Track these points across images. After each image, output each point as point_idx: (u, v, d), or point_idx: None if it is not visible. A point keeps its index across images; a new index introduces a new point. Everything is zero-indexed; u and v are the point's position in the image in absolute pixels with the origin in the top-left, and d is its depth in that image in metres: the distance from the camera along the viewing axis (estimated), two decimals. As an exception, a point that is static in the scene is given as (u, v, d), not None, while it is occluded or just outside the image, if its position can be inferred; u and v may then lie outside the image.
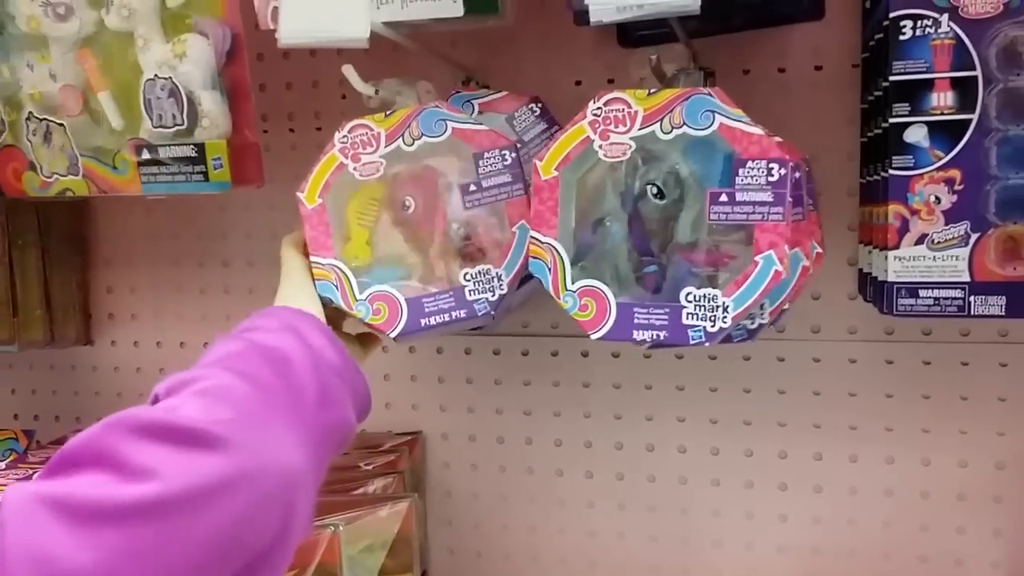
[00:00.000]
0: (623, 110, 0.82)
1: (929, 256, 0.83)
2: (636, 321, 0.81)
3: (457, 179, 0.90)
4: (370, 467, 1.14)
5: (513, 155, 0.88)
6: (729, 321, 0.78)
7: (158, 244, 1.37)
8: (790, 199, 0.76)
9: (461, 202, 0.90)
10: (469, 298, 0.89)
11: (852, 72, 1.07)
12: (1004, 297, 0.82)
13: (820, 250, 0.87)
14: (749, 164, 0.77)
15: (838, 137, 1.07)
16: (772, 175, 0.77)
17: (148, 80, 0.98)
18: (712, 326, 0.79)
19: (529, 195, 0.87)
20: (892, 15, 0.82)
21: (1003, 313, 0.82)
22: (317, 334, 0.79)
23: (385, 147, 0.90)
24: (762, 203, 0.77)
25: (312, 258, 0.90)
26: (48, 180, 1.08)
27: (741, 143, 0.78)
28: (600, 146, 0.83)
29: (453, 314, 0.89)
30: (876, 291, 0.90)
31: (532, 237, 0.84)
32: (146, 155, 1.01)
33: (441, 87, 1.14)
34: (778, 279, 0.77)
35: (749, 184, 0.77)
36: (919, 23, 0.81)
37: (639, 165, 0.84)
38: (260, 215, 1.31)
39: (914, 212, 0.83)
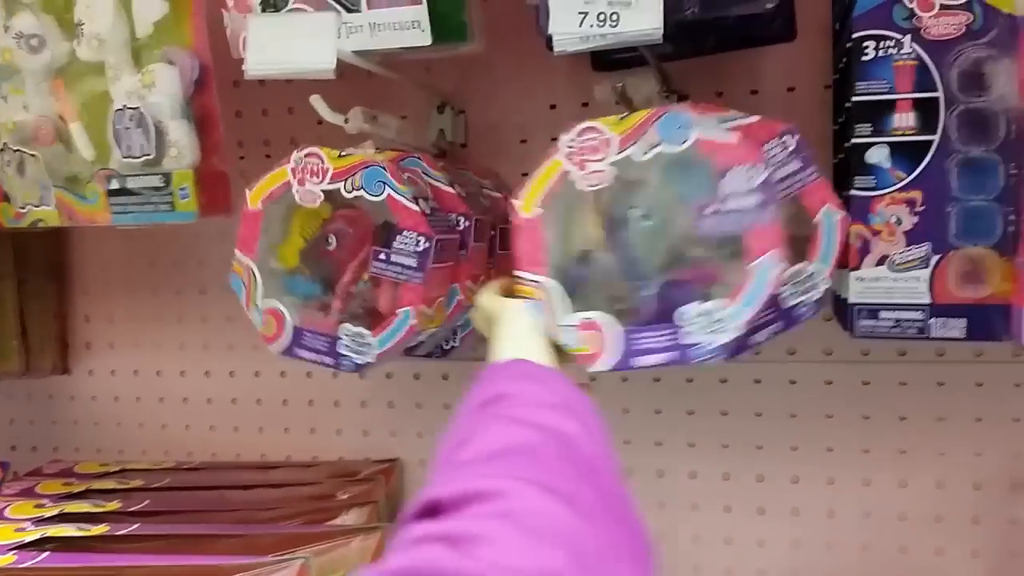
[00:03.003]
0: (597, 138, 0.81)
1: (890, 277, 0.83)
2: (638, 347, 0.80)
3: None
4: (346, 496, 1.13)
5: (426, 245, 0.89)
6: (733, 333, 0.76)
7: (135, 272, 1.36)
8: (775, 201, 0.76)
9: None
10: (341, 351, 0.93)
11: (824, 93, 1.07)
12: (965, 320, 0.82)
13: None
14: (731, 171, 0.77)
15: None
16: (754, 179, 0.76)
17: (117, 110, 0.99)
18: (716, 340, 0.77)
19: (424, 285, 0.90)
20: (855, 36, 0.82)
21: (964, 336, 0.82)
22: (583, 404, 0.66)
23: (329, 183, 0.92)
24: (752, 207, 0.76)
25: (236, 253, 0.96)
26: (22, 211, 1.08)
27: (719, 152, 0.77)
28: (579, 177, 0.82)
29: (324, 359, 0.94)
30: (840, 312, 0.90)
31: (520, 276, 0.83)
32: (115, 185, 1.01)
33: (416, 112, 1.15)
34: (778, 281, 0.76)
35: (734, 191, 0.77)
36: (882, 44, 0.81)
37: (620, 191, 0.84)
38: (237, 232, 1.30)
39: (875, 233, 0.82)
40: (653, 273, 0.83)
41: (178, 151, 0.98)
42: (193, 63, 0.99)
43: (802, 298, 0.79)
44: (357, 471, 1.21)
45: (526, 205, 0.83)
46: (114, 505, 1.10)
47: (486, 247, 1.03)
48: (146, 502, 1.11)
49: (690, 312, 0.78)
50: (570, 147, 0.82)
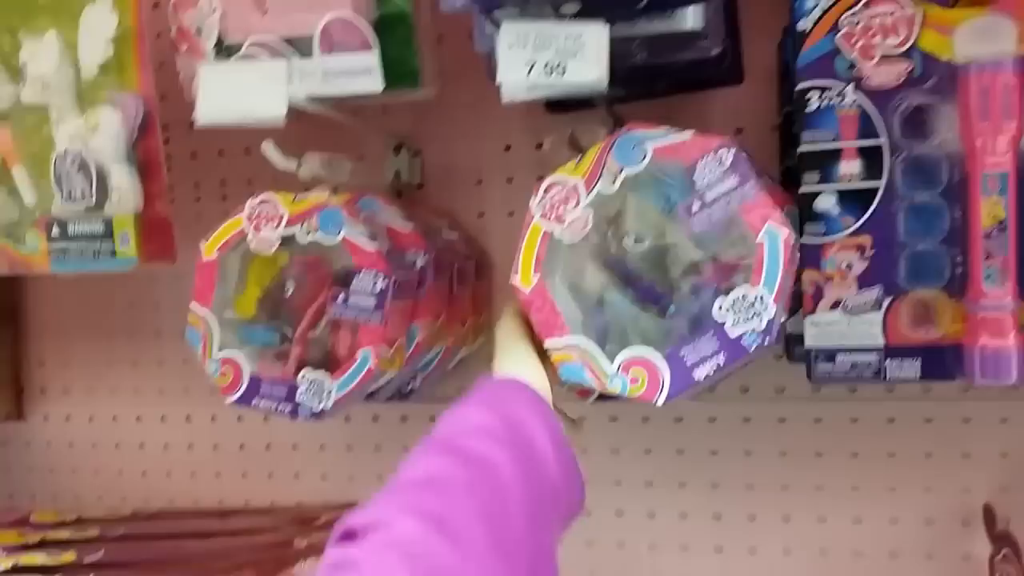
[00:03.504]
0: (563, 188, 0.82)
1: (844, 321, 0.83)
2: (691, 361, 0.78)
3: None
4: (304, 544, 1.12)
5: (384, 284, 0.89)
6: (773, 310, 0.76)
7: (90, 316, 1.35)
8: (753, 173, 0.78)
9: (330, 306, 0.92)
10: (298, 399, 0.91)
11: (771, 134, 1.08)
12: (919, 360, 0.83)
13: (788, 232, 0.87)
14: (699, 164, 0.79)
15: (761, 199, 1.08)
16: (724, 161, 0.78)
17: (59, 154, 0.98)
18: (760, 324, 0.76)
19: (383, 326, 0.89)
20: (798, 88, 0.83)
21: (918, 376, 0.83)
22: (544, 436, 0.70)
23: (284, 229, 0.92)
24: (733, 188, 0.78)
25: (192, 304, 0.95)
26: (-40, 258, 1.06)
27: (680, 152, 0.79)
28: (561, 232, 0.82)
29: (280, 407, 0.92)
30: (793, 354, 0.91)
31: (549, 347, 0.81)
32: (56, 231, 1.00)
33: (372, 154, 1.16)
34: (790, 244, 0.76)
35: (710, 180, 0.78)
36: (825, 94, 0.82)
37: (605, 227, 0.85)
38: (193, 284, 1.29)
39: (828, 278, 0.84)
40: (670, 290, 0.84)
41: (120, 196, 0.97)
42: (138, 106, 0.98)
43: (746, 327, 0.77)
44: (316, 516, 1.21)
45: (524, 278, 0.82)
46: (69, 557, 1.09)
47: (447, 285, 1.03)
48: (101, 552, 1.10)
49: (724, 306, 0.77)
50: (542, 207, 0.82)
